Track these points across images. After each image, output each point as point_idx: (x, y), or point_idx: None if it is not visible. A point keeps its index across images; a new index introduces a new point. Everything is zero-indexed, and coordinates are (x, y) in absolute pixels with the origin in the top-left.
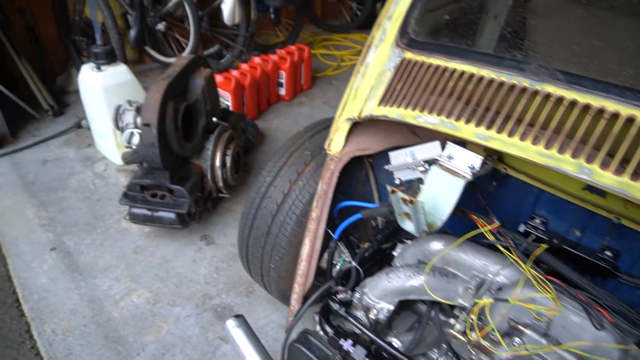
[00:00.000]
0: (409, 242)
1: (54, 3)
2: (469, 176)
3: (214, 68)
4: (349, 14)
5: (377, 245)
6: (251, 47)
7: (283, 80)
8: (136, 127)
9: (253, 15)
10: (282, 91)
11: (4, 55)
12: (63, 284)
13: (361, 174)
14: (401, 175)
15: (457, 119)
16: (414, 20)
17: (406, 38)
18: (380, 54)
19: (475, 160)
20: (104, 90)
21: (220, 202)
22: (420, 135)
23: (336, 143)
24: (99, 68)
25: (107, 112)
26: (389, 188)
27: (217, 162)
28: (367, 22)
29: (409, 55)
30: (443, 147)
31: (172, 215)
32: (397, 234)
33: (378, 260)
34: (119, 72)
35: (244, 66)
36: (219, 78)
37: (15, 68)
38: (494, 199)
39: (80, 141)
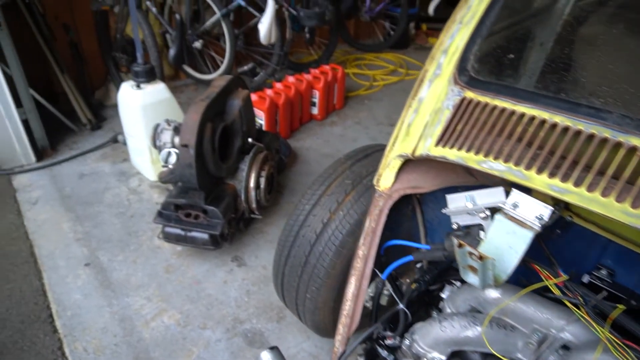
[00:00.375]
0: (457, 283)
1: (97, 21)
2: (537, 227)
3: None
4: (382, 34)
5: (425, 287)
6: (285, 65)
7: (316, 100)
8: (173, 146)
9: (288, 35)
10: (315, 110)
11: (48, 71)
12: (96, 300)
13: (407, 209)
14: (459, 220)
15: (528, 167)
16: (474, 57)
17: (466, 76)
18: (436, 90)
19: (544, 210)
20: (142, 108)
21: (252, 222)
22: (477, 176)
23: (386, 179)
24: (138, 86)
25: (145, 129)
26: (454, 240)
27: (252, 184)
28: (400, 42)
29: (470, 94)
30: (506, 194)
31: (205, 236)
32: (444, 275)
33: (425, 302)
34: (158, 91)
35: (278, 85)
36: (253, 97)
37: (58, 83)
38: (556, 247)
39: (115, 156)
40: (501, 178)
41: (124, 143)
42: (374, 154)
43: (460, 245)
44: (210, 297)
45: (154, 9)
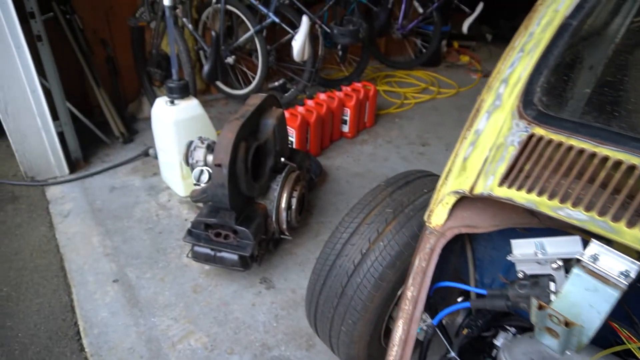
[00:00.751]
0: (512, 329)
1: (134, 36)
2: (623, 285)
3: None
4: (413, 51)
5: (477, 333)
6: (316, 81)
7: (347, 118)
8: (206, 164)
9: (320, 52)
10: (345, 128)
11: (84, 84)
12: (123, 319)
13: (456, 245)
14: (525, 268)
15: (615, 219)
16: (541, 89)
17: (533, 110)
18: (496, 123)
19: (632, 266)
20: (175, 124)
21: (281, 243)
22: (541, 218)
23: (438, 216)
24: (172, 102)
25: (177, 145)
26: (534, 301)
27: (283, 204)
28: (431, 59)
29: (540, 131)
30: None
31: (234, 257)
32: (498, 320)
33: (476, 350)
34: (191, 107)
35: (310, 102)
36: (285, 114)
37: (93, 96)
38: (635, 301)
39: (146, 169)
40: (581, 229)
41: (155, 157)
42: (415, 180)
43: (540, 307)
44: (238, 320)
45: (189, 26)
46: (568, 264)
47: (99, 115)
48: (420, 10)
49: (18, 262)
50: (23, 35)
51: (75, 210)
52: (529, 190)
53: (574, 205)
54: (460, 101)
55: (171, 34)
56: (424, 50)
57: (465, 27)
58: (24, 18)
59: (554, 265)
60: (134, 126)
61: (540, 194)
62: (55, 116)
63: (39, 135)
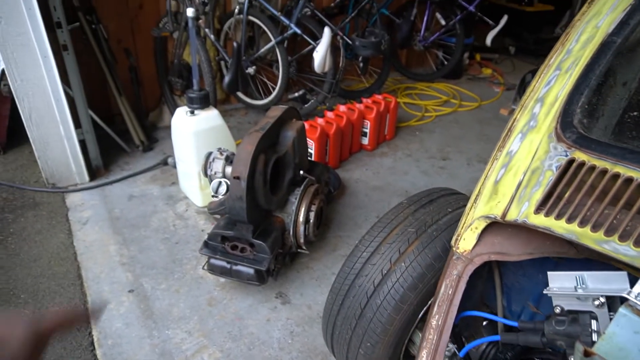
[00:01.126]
0: None
1: (156, 46)
2: None
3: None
4: (435, 63)
5: None
6: (336, 92)
7: (367, 130)
8: (224, 176)
9: (341, 63)
10: (365, 140)
11: (107, 92)
12: (137, 331)
13: (483, 270)
14: (563, 303)
15: None
16: (581, 111)
17: (573, 133)
18: (532, 145)
19: None
20: (194, 134)
21: (297, 256)
22: (579, 248)
23: (466, 241)
24: (192, 112)
25: (195, 155)
26: (579, 347)
27: (301, 218)
28: (453, 71)
29: (581, 156)
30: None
31: (250, 271)
32: (528, 352)
33: None
34: (211, 117)
35: (330, 114)
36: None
37: (115, 104)
38: None
39: (165, 179)
40: (628, 264)
41: (174, 166)
42: (438, 199)
43: (587, 354)
44: (253, 335)
45: (211, 36)
46: (612, 301)
47: (120, 124)
48: (443, 22)
49: (37, 269)
50: (49, 44)
51: (94, 217)
52: (569, 220)
53: (622, 238)
54: (482, 114)
55: (193, 44)
56: (446, 63)
57: (489, 40)
58: (51, 27)
59: (597, 303)
60: (154, 135)
61: (582, 224)
62: (77, 124)
63: (61, 143)
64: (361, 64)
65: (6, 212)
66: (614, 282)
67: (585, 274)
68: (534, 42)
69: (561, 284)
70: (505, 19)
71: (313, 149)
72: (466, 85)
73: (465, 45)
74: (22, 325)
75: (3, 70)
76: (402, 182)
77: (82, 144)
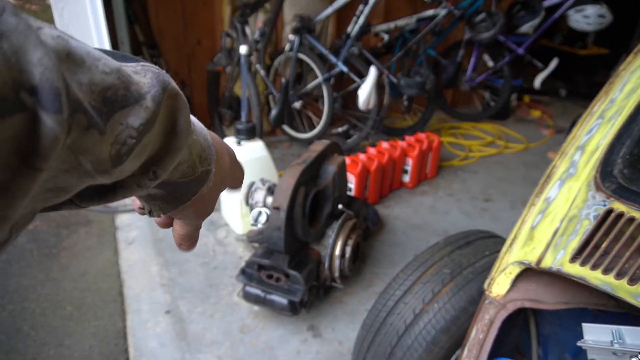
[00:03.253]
0: None
1: (210, 79)
2: None
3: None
4: (481, 103)
5: None
6: (379, 129)
7: (409, 168)
8: (265, 206)
9: (386, 101)
10: (406, 178)
11: None
12: (170, 352)
13: (518, 317)
14: (598, 357)
15: None
16: (622, 161)
17: (612, 183)
18: (570, 193)
19: None
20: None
21: (331, 290)
22: (620, 301)
23: (499, 285)
24: (239, 143)
25: None
26: None
27: (337, 252)
28: (499, 112)
29: (620, 206)
30: None
31: (284, 301)
32: None
33: None
34: (256, 148)
35: (372, 150)
36: (346, 160)
37: None
38: None
39: None
40: None
41: None
42: (476, 241)
43: None
44: None
45: (262, 71)
46: None
47: None
48: (491, 63)
49: (83, 283)
50: None
51: (139, 238)
52: (606, 271)
53: None
54: (528, 157)
55: (244, 79)
56: (492, 103)
57: (537, 83)
58: None
59: (634, 359)
60: None
61: (619, 276)
62: None
63: None
64: (405, 103)
65: (61, 228)
66: None
67: (623, 328)
68: (587, 86)
69: (597, 337)
70: (555, 62)
71: (353, 184)
72: (513, 126)
73: (512, 87)
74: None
75: None
76: (442, 222)
77: None
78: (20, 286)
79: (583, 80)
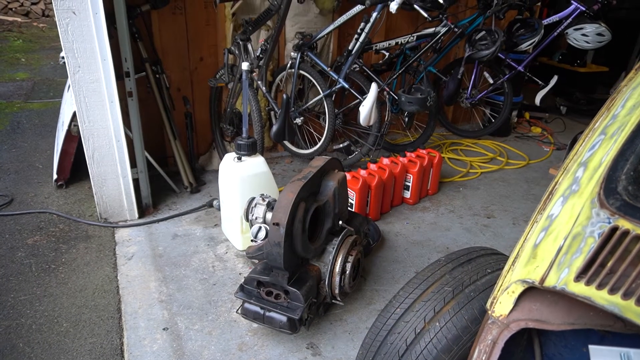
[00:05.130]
0: None
1: (212, 95)
2: None
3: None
4: (482, 120)
5: None
6: (380, 145)
7: (410, 184)
8: (265, 222)
9: (387, 117)
10: (407, 194)
11: (163, 136)
12: None
13: (522, 338)
14: None
15: None
16: (626, 177)
17: (617, 199)
18: (573, 210)
19: None
20: (240, 179)
21: (331, 308)
22: (627, 323)
23: (502, 305)
24: (239, 158)
25: (240, 200)
26: None
27: (337, 268)
28: (501, 129)
29: (626, 224)
30: None
31: (283, 319)
32: None
33: None
34: (256, 164)
35: (373, 166)
36: (347, 176)
37: (169, 147)
38: None
39: (208, 220)
40: None
41: (218, 209)
42: (478, 258)
43: None
44: None
45: (263, 88)
46: None
47: (172, 165)
48: (491, 80)
49: (81, 299)
50: (117, 91)
51: (139, 253)
52: (612, 291)
53: None
54: (530, 173)
55: (245, 95)
56: (493, 120)
57: (537, 100)
58: (120, 76)
59: None
60: (203, 177)
61: (626, 296)
62: (133, 163)
63: (117, 181)
64: (406, 119)
65: (61, 243)
66: None
67: (632, 351)
68: (587, 103)
69: (604, 359)
70: (555, 79)
71: (354, 200)
72: (514, 143)
73: (513, 104)
74: None
75: (74, 113)
76: (443, 239)
77: (136, 182)
78: (17, 302)
79: (583, 98)
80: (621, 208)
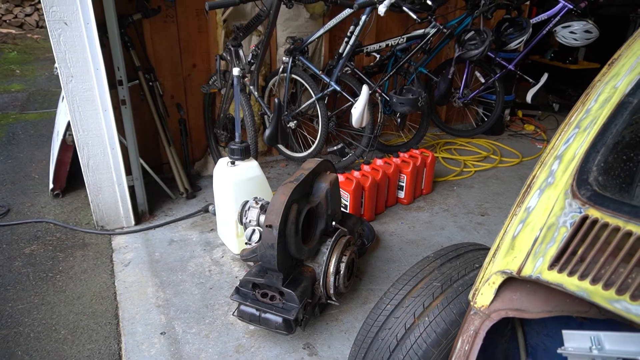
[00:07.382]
0: None
1: (205, 101)
2: None
3: (335, 164)
4: (475, 119)
5: None
6: (374, 147)
7: (403, 184)
8: (258, 224)
9: (379, 118)
10: (401, 194)
11: (157, 142)
12: None
13: (505, 328)
14: None
15: None
16: (597, 169)
17: (588, 190)
18: (548, 202)
19: None
20: (234, 184)
21: (327, 308)
22: (601, 309)
23: (483, 296)
24: (233, 163)
25: (234, 204)
26: None
27: (331, 269)
28: (494, 128)
29: (595, 213)
30: None
31: (279, 320)
32: None
33: None
34: (250, 168)
35: (366, 167)
36: (340, 178)
37: (163, 154)
38: None
39: (204, 225)
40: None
41: (214, 214)
42: (466, 254)
43: None
44: None
45: (255, 93)
46: None
47: (167, 172)
48: (482, 80)
49: (79, 307)
50: (110, 99)
51: (136, 260)
52: (582, 277)
53: (633, 298)
54: (523, 171)
55: (237, 100)
56: (486, 119)
57: (529, 97)
58: (113, 85)
59: None
60: (198, 183)
61: (594, 282)
62: (128, 171)
63: (112, 188)
64: (399, 120)
65: (58, 251)
66: (632, 344)
67: (602, 334)
68: (579, 99)
69: (576, 343)
70: (545, 77)
71: (348, 201)
72: (507, 141)
73: (505, 102)
74: None
75: (69, 122)
76: (438, 237)
77: (131, 189)
78: (15, 310)
79: (575, 94)
80: (591, 198)
